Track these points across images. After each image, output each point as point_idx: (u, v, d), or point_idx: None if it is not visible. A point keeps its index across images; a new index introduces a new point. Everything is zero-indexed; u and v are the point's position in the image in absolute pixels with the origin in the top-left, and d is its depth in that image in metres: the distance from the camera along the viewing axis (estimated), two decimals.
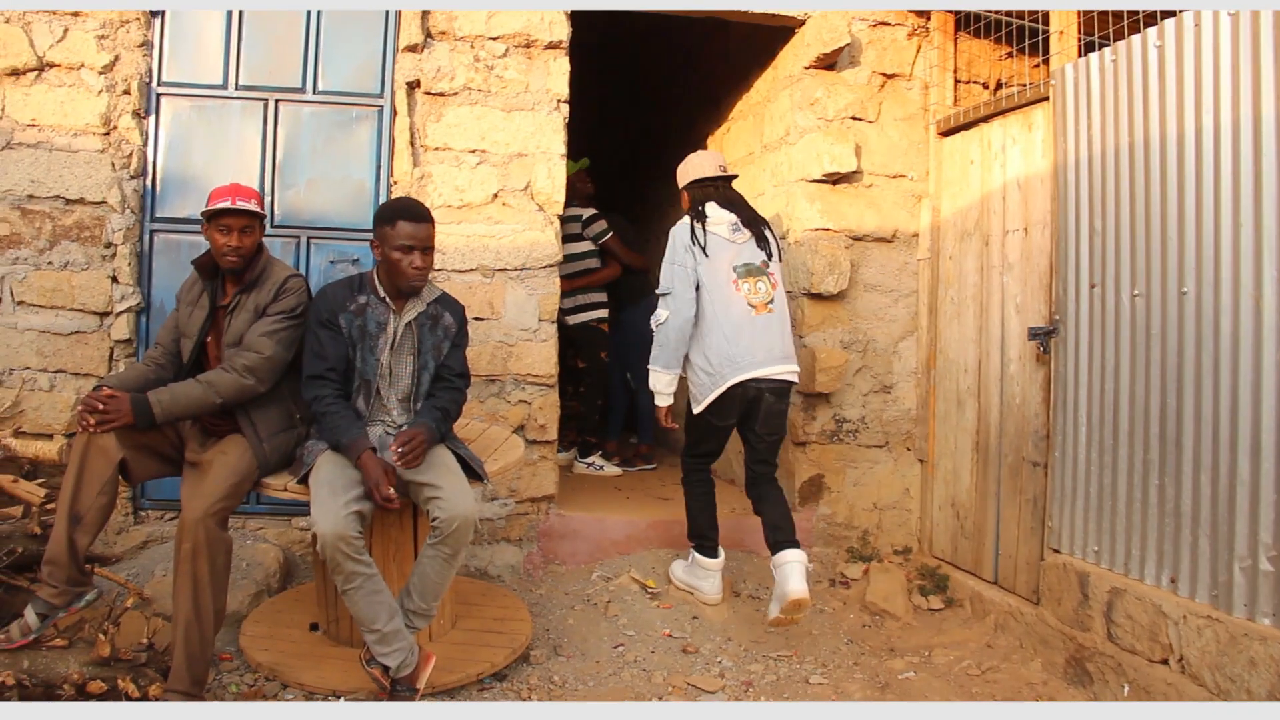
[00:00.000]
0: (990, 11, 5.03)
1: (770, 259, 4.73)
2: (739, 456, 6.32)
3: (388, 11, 5.12)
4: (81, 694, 3.31)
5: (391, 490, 3.49)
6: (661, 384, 4.70)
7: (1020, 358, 4.62)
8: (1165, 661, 3.60)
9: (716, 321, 4.57)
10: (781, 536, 4.48)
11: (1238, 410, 3.36)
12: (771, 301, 4.64)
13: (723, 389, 4.53)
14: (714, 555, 4.80)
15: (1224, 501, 3.41)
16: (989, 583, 4.81)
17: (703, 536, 4.81)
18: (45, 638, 3.39)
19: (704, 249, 4.61)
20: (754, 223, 4.77)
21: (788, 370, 4.64)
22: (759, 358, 4.54)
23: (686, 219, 4.75)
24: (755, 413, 4.61)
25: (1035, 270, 4.52)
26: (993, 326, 4.82)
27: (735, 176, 4.97)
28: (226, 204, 3.63)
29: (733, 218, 4.72)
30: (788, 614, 4.31)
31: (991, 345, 4.83)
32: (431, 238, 3.80)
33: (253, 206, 3.70)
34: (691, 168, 4.91)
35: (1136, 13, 4.09)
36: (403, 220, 3.72)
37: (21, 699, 3.23)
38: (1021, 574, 4.57)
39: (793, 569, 4.34)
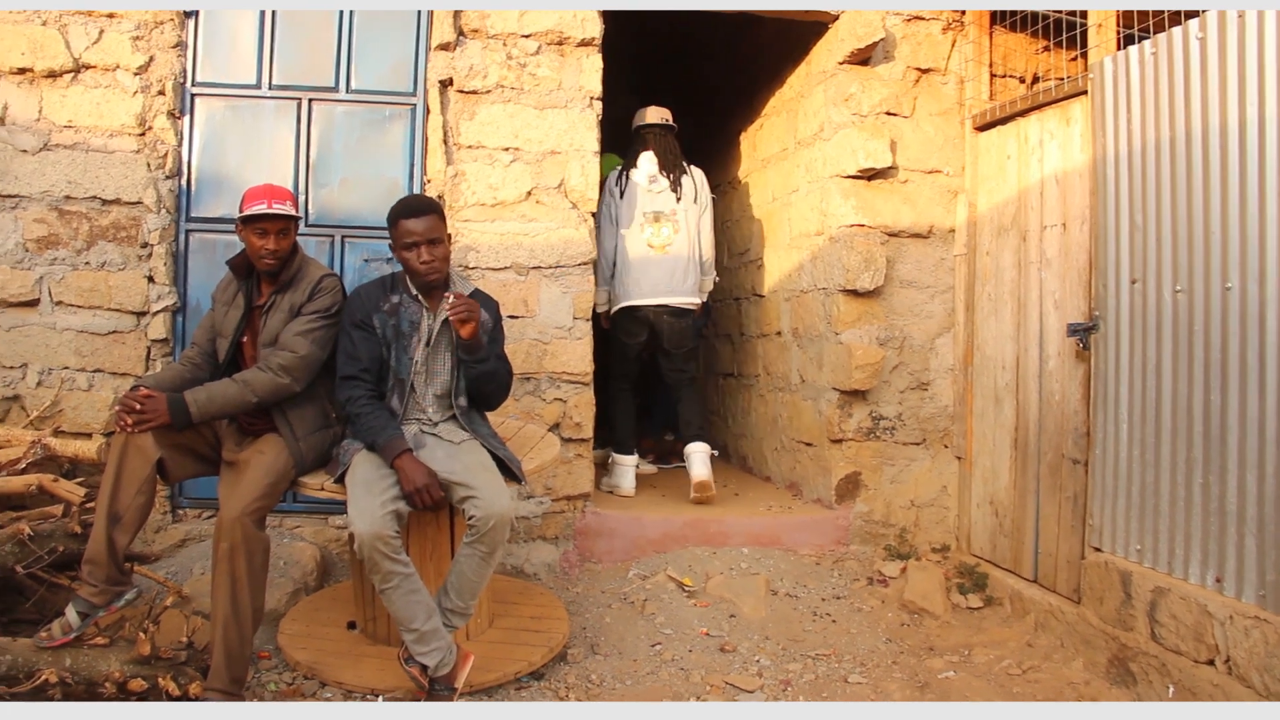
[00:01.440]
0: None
1: (679, 202, 5.83)
2: (775, 453, 6.33)
3: (420, 10, 5.12)
4: (123, 692, 3.33)
5: (441, 494, 3.51)
6: (597, 298, 5.73)
7: (1059, 354, 4.56)
8: (1211, 662, 3.54)
9: (623, 255, 5.79)
10: (691, 431, 5.89)
11: None
12: (670, 245, 5.78)
13: (617, 308, 5.82)
14: (629, 453, 5.94)
15: (1271, 500, 3.35)
16: (1029, 581, 4.76)
17: (623, 442, 5.95)
18: (86, 636, 3.40)
19: (621, 194, 5.83)
20: (674, 171, 5.88)
21: (676, 299, 5.79)
22: (645, 289, 5.70)
23: (619, 166, 5.98)
24: (661, 332, 5.85)
25: (1074, 266, 4.46)
26: (1031, 323, 4.77)
27: (674, 128, 6.10)
28: (263, 207, 3.63)
29: (654, 170, 5.86)
30: (698, 493, 5.67)
31: (1030, 342, 4.78)
32: (436, 228, 3.74)
33: (289, 209, 3.69)
34: (637, 116, 6.13)
35: (1177, 4, 4.02)
36: (403, 219, 3.72)
37: (64, 697, 3.25)
38: (1062, 572, 4.52)
39: (698, 457, 5.76)
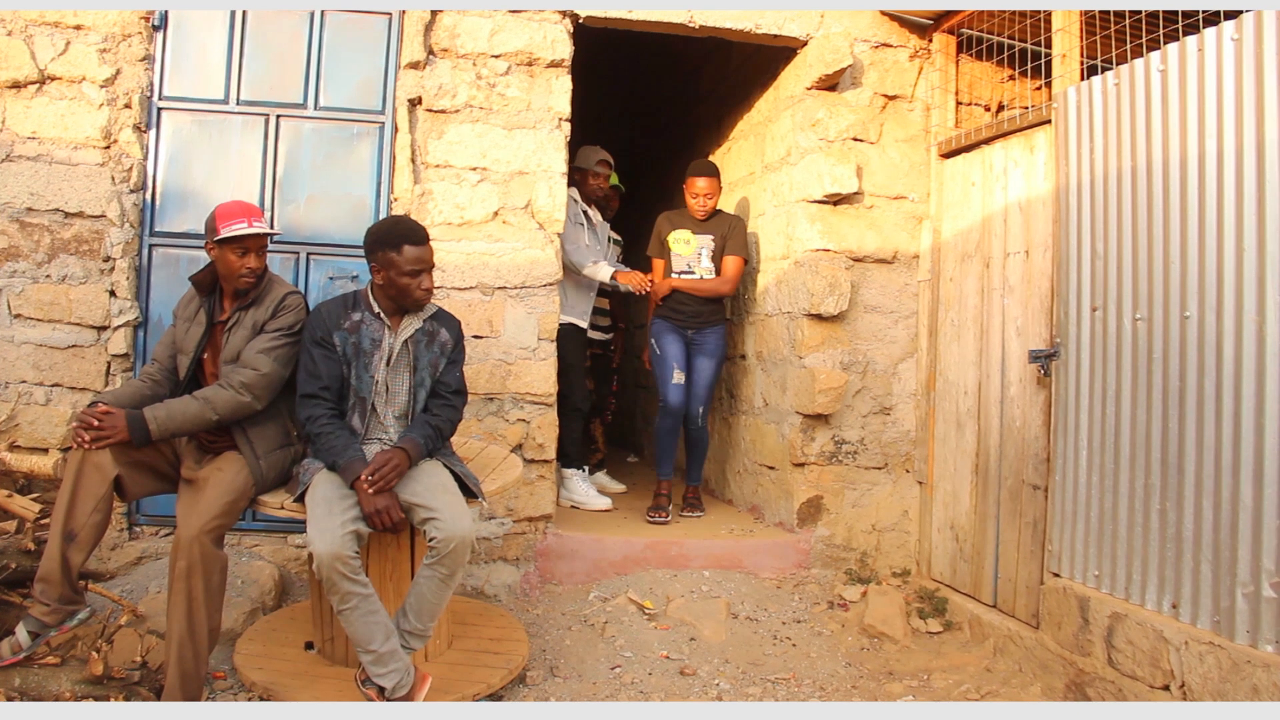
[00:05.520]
0: (995, 23, 5.03)
1: None
2: (737, 476, 6.35)
3: (390, 27, 5.12)
4: None
5: (401, 516, 3.48)
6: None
7: (1021, 380, 4.60)
8: (1166, 688, 3.57)
9: None
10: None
11: (1240, 435, 3.34)
12: None
13: None
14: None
15: (1226, 527, 3.39)
16: (988, 606, 4.78)
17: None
18: (37, 655, 3.36)
19: None
20: None
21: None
22: None
23: None
24: None
25: (1036, 293, 4.51)
26: (993, 349, 4.81)
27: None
28: (244, 227, 3.62)
29: None
30: None
31: (992, 368, 4.82)
32: (433, 256, 3.80)
33: (267, 227, 3.70)
34: None
35: (1139, 37, 4.08)
36: (408, 245, 3.70)
37: None
38: (1021, 597, 4.55)
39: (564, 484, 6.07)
